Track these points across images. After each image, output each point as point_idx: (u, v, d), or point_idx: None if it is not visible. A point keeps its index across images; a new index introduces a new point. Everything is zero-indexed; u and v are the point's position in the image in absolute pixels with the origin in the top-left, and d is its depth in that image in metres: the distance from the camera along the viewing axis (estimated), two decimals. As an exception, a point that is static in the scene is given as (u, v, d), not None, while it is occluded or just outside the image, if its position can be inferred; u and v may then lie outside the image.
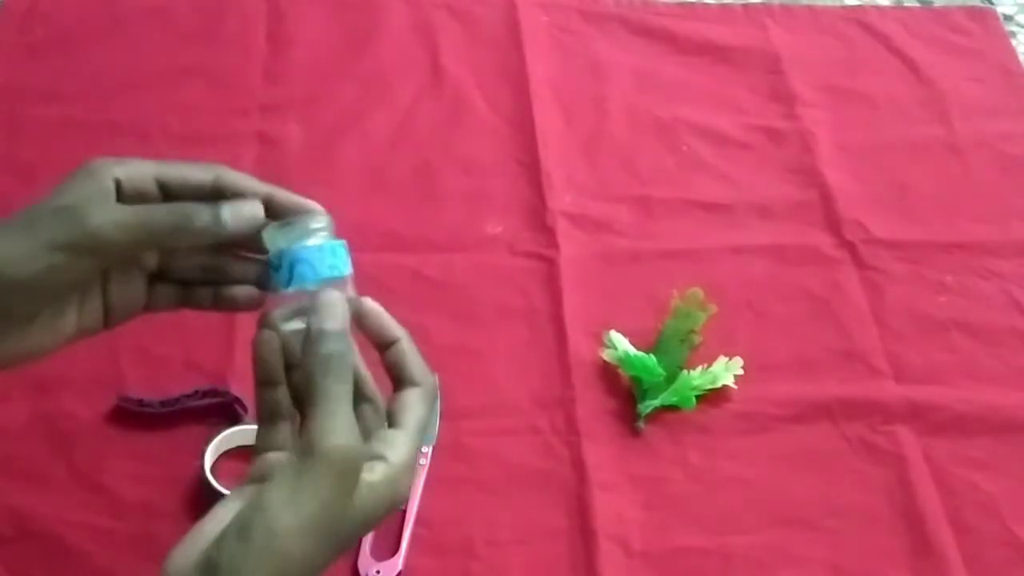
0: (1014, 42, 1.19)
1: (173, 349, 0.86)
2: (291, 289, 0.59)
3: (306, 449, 0.54)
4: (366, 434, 0.58)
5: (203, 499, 0.77)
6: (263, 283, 0.63)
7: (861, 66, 1.16)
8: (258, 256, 0.63)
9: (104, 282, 0.63)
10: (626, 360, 0.88)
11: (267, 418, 0.60)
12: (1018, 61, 1.17)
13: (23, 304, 0.59)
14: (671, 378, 0.87)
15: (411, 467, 0.59)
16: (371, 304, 0.61)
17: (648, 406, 0.86)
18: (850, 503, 0.82)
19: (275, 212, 0.62)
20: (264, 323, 0.60)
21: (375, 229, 0.96)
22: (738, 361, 0.88)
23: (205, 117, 1.05)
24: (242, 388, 0.83)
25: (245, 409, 0.82)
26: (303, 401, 0.57)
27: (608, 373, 0.89)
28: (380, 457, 0.57)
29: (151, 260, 0.64)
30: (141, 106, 1.05)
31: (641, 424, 0.85)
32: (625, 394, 0.87)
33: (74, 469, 0.80)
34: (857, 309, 0.94)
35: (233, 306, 0.64)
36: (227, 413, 0.83)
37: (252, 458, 0.60)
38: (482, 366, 0.89)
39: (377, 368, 0.62)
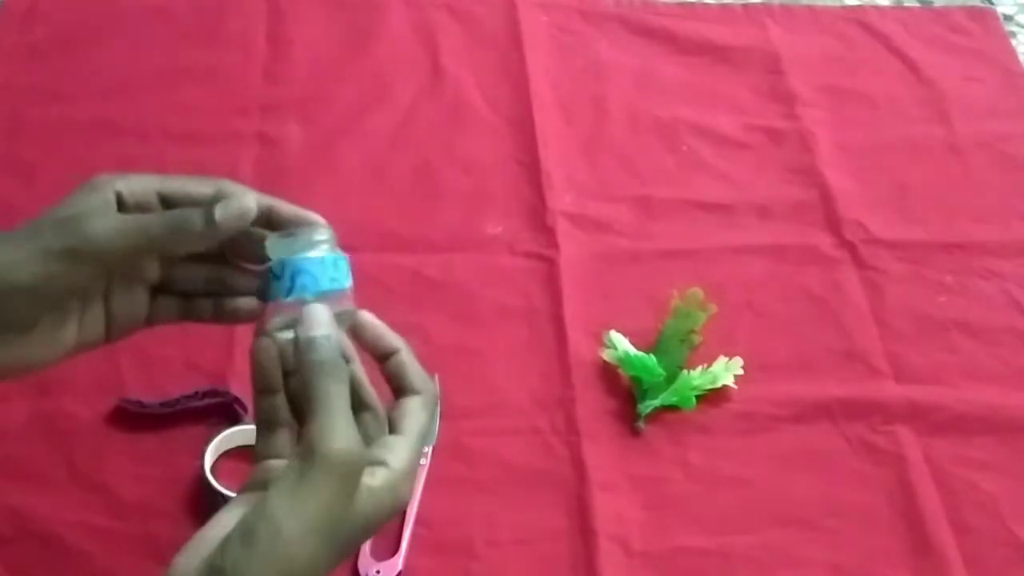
0: (1014, 42, 1.19)
1: (173, 350, 0.86)
2: (291, 299, 0.59)
3: (306, 453, 0.55)
4: (367, 441, 0.58)
5: (203, 499, 0.77)
6: (263, 295, 0.63)
7: (861, 66, 1.16)
8: (258, 268, 0.64)
9: (106, 294, 0.63)
10: (626, 360, 0.88)
11: (266, 425, 0.61)
12: (1018, 61, 1.17)
13: (22, 310, 0.59)
14: (671, 378, 0.87)
15: (412, 473, 0.59)
16: (368, 316, 0.62)
17: (648, 406, 0.86)
18: (850, 503, 0.82)
19: (277, 224, 0.62)
20: (262, 331, 0.61)
21: (375, 229, 0.96)
22: (738, 361, 0.88)
23: (205, 117, 1.05)
24: (242, 388, 0.83)
25: (245, 409, 0.82)
26: (301, 407, 0.58)
27: (608, 373, 0.89)
28: (381, 462, 0.58)
29: (153, 272, 0.64)
30: (141, 106, 1.05)
31: (641, 424, 0.85)
32: (625, 394, 0.87)
33: (74, 469, 0.80)
34: (857, 309, 0.94)
35: (235, 318, 0.65)
36: (227, 413, 0.83)
37: (253, 465, 0.60)
38: (482, 366, 0.89)
39: (377, 378, 0.62)
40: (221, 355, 0.86)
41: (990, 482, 0.84)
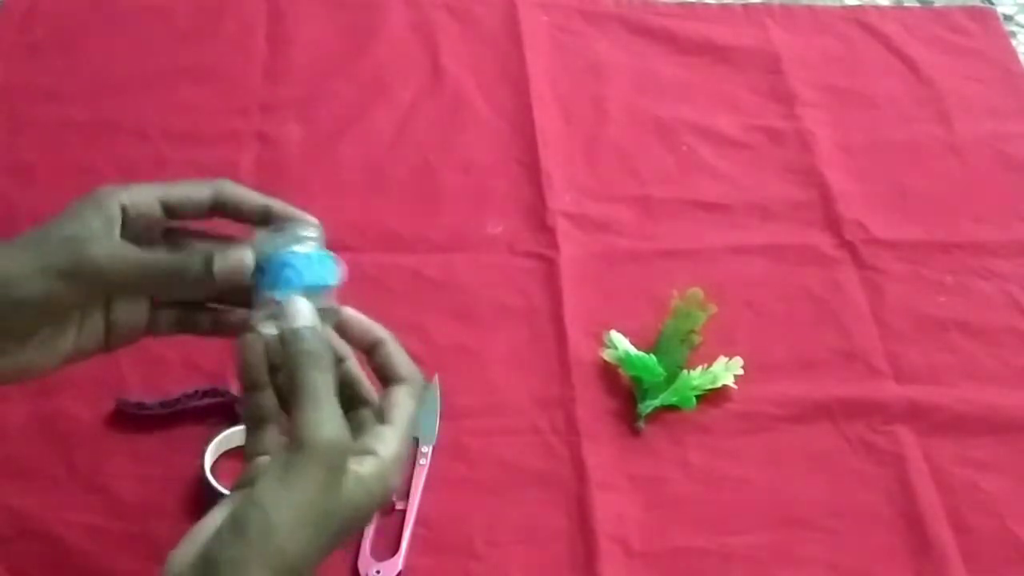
0: (1014, 42, 1.19)
1: (173, 349, 0.86)
2: (275, 293, 0.60)
3: (294, 443, 0.56)
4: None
5: (203, 499, 0.77)
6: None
7: (861, 66, 1.16)
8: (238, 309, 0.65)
9: (107, 304, 0.64)
10: (626, 360, 0.88)
11: (254, 422, 0.62)
12: (1018, 61, 1.17)
13: (23, 322, 0.61)
14: (671, 378, 0.87)
15: (401, 462, 0.60)
16: (350, 312, 0.63)
17: (648, 406, 0.86)
18: (850, 503, 0.82)
19: (271, 222, 0.63)
20: (247, 327, 0.62)
21: (375, 229, 0.96)
22: (738, 361, 0.88)
23: (205, 117, 1.05)
24: (242, 388, 0.83)
25: (245, 409, 0.82)
26: (288, 399, 0.58)
27: (608, 373, 0.88)
28: (371, 451, 0.58)
29: None
30: (141, 106, 1.05)
31: (641, 424, 0.85)
32: (625, 394, 0.87)
33: (74, 469, 0.80)
34: (857, 309, 0.94)
35: (232, 330, 0.66)
36: (227, 413, 0.83)
37: (243, 463, 0.61)
38: (482, 366, 0.89)
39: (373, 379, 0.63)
40: (221, 354, 0.86)
41: (990, 482, 0.84)
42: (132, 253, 0.61)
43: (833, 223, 1.00)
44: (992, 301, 0.96)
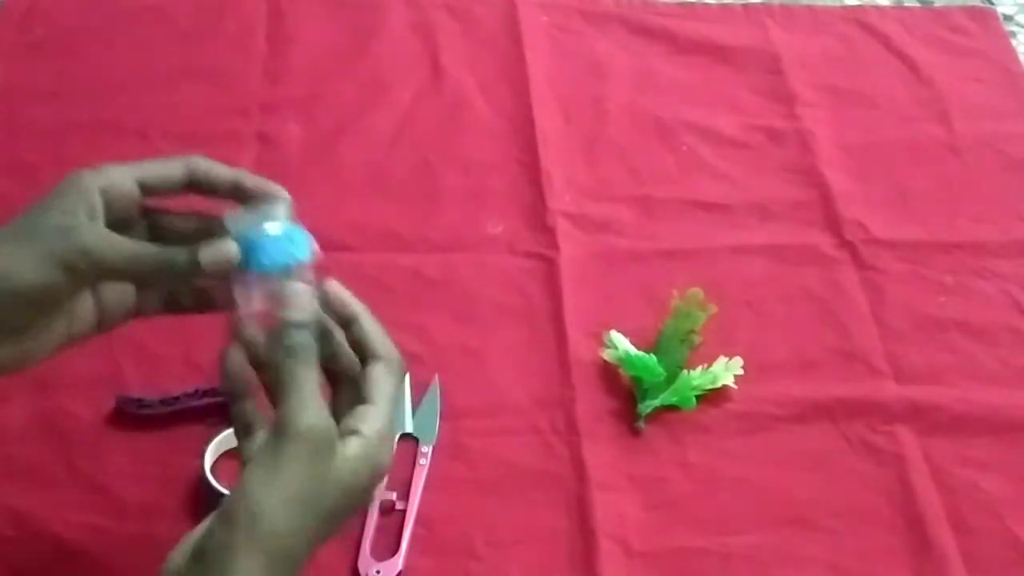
0: (1014, 42, 1.19)
1: (173, 348, 0.86)
2: (248, 274, 0.61)
3: (279, 430, 0.57)
4: (347, 407, 0.61)
5: (203, 499, 0.77)
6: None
7: (861, 66, 1.16)
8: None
9: (95, 285, 0.64)
10: (626, 360, 0.88)
11: (244, 429, 0.62)
12: (1018, 61, 1.17)
13: (19, 313, 0.61)
14: (671, 378, 0.87)
15: (387, 439, 0.61)
16: (331, 285, 0.63)
17: (648, 406, 0.86)
18: (850, 503, 0.82)
19: (242, 197, 0.64)
20: (233, 326, 0.63)
21: (375, 229, 0.96)
22: (738, 361, 0.88)
23: (205, 117, 1.05)
24: (242, 388, 0.83)
25: (245, 409, 0.82)
26: (274, 392, 0.60)
27: (608, 373, 0.88)
28: (354, 431, 0.59)
29: None
30: (141, 106, 1.05)
31: (641, 424, 0.85)
32: (625, 394, 0.87)
33: (74, 469, 0.80)
34: (857, 309, 0.94)
35: (212, 305, 0.67)
36: (227, 413, 0.82)
37: (238, 470, 0.61)
38: (482, 366, 0.88)
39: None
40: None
41: (990, 482, 0.84)
42: (123, 244, 0.61)
43: (833, 223, 1.00)
44: (992, 301, 0.96)
